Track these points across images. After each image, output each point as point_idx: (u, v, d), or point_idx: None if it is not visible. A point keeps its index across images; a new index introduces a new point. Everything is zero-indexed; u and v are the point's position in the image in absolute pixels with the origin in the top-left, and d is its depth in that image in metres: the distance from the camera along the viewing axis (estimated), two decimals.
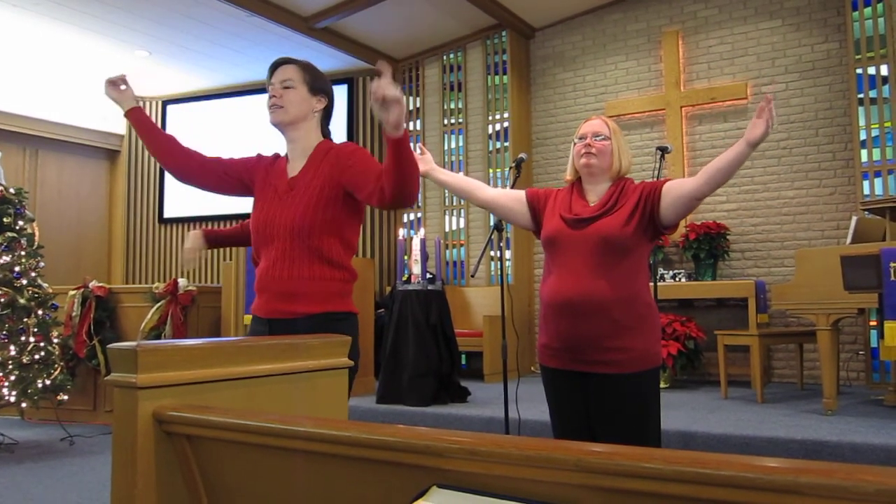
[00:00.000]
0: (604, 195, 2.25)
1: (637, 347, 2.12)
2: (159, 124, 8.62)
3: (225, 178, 2.24)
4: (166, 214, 8.65)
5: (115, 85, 2.21)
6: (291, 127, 2.17)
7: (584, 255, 2.16)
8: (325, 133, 2.25)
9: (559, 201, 2.32)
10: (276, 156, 2.28)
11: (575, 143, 2.30)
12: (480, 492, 0.96)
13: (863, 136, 5.66)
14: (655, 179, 2.28)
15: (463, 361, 6.51)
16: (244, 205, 8.10)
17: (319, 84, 2.21)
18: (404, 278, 5.52)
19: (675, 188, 2.16)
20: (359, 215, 2.17)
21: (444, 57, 7.59)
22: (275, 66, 2.21)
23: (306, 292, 2.06)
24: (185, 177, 2.24)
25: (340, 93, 7.75)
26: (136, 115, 2.21)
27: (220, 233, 2.42)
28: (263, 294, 2.13)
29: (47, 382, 4.56)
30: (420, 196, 7.59)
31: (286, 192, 2.12)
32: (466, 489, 0.97)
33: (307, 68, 2.21)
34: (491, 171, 7.25)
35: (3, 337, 4.43)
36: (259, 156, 2.29)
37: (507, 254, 6.94)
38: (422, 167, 2.35)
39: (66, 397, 4.77)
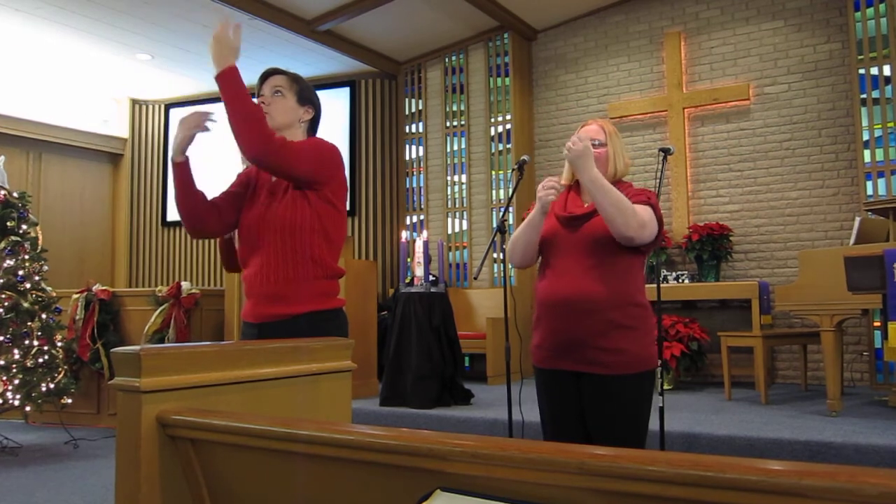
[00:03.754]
0: None
1: (631, 349, 2.11)
2: (162, 128, 8.66)
3: (236, 210, 2.23)
4: (169, 217, 8.66)
5: (198, 124, 2.13)
6: (277, 132, 2.14)
7: (578, 255, 2.16)
8: None
9: (556, 203, 2.32)
10: None
11: None
12: (484, 495, 0.96)
13: (866, 137, 5.65)
14: (654, 190, 2.27)
15: (466, 364, 6.51)
16: None
17: (308, 95, 2.28)
18: (407, 280, 5.51)
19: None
20: (340, 214, 2.19)
21: (447, 59, 7.59)
22: (266, 76, 2.28)
23: (293, 294, 2.07)
24: (202, 234, 2.22)
25: (342, 96, 7.75)
26: (183, 168, 2.13)
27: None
28: (251, 298, 2.15)
29: (51, 386, 4.57)
30: (423, 198, 7.60)
31: (268, 196, 2.15)
32: (470, 492, 0.97)
33: (297, 79, 2.28)
34: (493, 173, 7.25)
35: (6, 340, 4.44)
36: (248, 168, 2.31)
37: None
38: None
39: (69, 401, 4.78)
